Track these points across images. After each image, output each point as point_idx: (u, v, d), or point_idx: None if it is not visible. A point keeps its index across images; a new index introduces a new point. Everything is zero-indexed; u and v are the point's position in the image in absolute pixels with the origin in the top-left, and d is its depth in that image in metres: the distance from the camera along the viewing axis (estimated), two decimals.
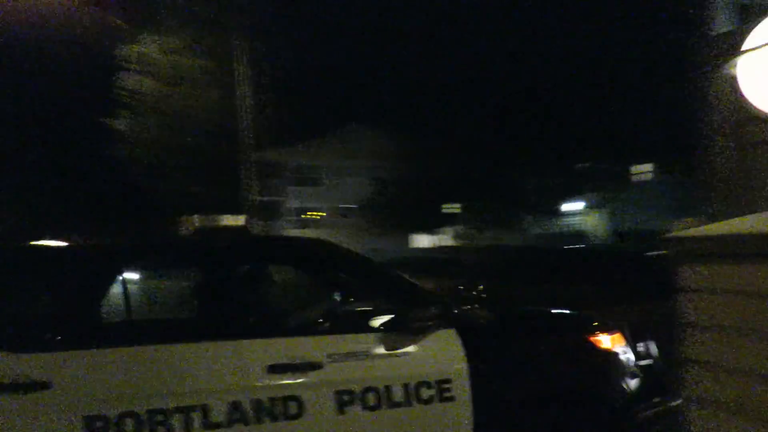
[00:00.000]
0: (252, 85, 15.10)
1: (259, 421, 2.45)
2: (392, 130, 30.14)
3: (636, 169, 30.22)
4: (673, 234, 1.74)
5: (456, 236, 29.25)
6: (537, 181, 27.70)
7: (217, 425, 2.40)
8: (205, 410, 2.39)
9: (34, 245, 3.42)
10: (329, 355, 2.62)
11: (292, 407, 2.50)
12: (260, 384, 2.51)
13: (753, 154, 8.55)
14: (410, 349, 2.76)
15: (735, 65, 1.74)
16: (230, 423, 2.42)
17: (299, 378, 2.56)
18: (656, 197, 27.24)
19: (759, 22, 1.65)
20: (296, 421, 2.50)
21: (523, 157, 26.67)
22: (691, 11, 9.06)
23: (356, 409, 2.59)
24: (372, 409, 2.61)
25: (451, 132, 27.96)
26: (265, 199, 18.20)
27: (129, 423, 2.30)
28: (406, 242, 29.45)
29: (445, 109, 28.56)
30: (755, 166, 8.49)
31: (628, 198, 28.57)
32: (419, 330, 2.76)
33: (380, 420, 2.63)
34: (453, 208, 29.94)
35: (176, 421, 2.35)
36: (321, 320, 3.03)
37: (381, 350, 2.71)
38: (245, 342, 2.61)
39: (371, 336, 2.76)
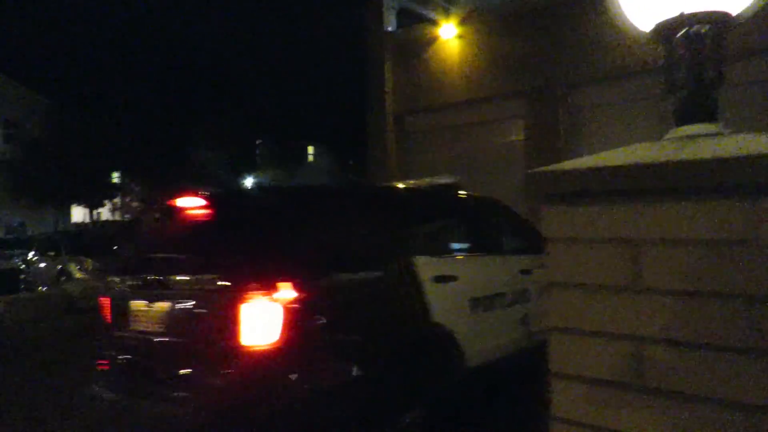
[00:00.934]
0: None
1: (519, 303, 4.34)
2: (41, 79, 25.34)
3: (313, 149, 32.20)
4: (542, 169, 1.25)
5: (114, 210, 26.41)
6: (215, 156, 26.76)
7: (509, 305, 4.26)
8: (504, 296, 4.25)
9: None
10: (535, 266, 4.46)
11: (527, 295, 4.42)
12: (519, 281, 4.39)
13: (410, 139, 10.41)
14: None
15: None
16: (511, 304, 4.29)
17: (528, 278, 4.44)
18: (330, 174, 29.34)
19: None
20: (529, 303, 4.40)
21: (202, 132, 25.44)
22: (365, 14, 10.23)
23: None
24: None
25: (122, 97, 24.95)
26: None
27: (485, 302, 4.05)
28: (63, 216, 25.38)
29: (118, 72, 25.25)
30: (411, 149, 10.39)
31: (306, 174, 29.96)
32: None
33: None
34: (117, 179, 26.84)
35: (496, 302, 4.16)
36: (524, 245, 4.83)
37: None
38: (509, 257, 4.56)
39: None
